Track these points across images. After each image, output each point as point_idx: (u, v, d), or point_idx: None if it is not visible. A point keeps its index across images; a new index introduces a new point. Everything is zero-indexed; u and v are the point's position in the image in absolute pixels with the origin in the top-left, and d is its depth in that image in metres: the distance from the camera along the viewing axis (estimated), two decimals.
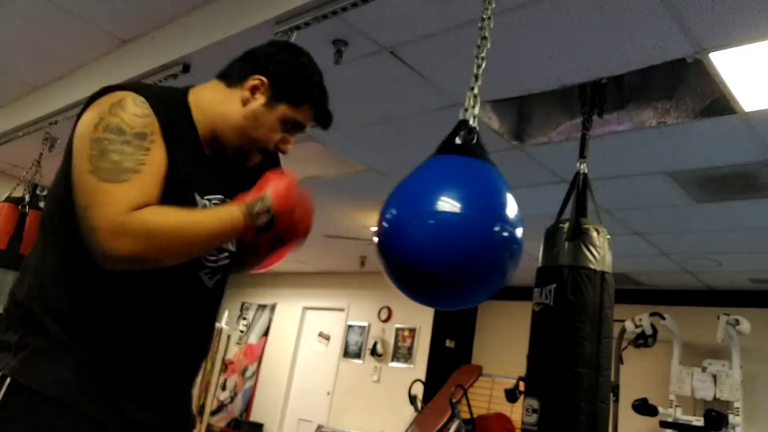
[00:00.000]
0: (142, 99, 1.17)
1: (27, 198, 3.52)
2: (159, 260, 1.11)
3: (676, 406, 5.22)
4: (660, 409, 5.01)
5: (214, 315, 1.36)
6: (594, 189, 2.17)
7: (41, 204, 3.63)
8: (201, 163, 1.26)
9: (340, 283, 8.03)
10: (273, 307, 8.81)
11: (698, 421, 4.85)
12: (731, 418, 4.79)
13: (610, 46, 2.39)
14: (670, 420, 5.11)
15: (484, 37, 1.50)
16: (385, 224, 1.32)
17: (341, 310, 8.00)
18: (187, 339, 1.28)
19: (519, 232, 1.27)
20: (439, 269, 1.22)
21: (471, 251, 1.20)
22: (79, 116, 1.22)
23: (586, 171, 2.21)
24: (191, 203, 1.20)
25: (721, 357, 5.24)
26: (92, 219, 1.07)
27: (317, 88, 1.33)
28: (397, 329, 7.32)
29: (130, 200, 1.07)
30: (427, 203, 1.25)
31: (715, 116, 2.79)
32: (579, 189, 2.16)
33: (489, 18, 1.52)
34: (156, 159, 1.14)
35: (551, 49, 2.48)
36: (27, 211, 3.47)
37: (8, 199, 3.52)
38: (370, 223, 5.56)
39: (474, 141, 1.36)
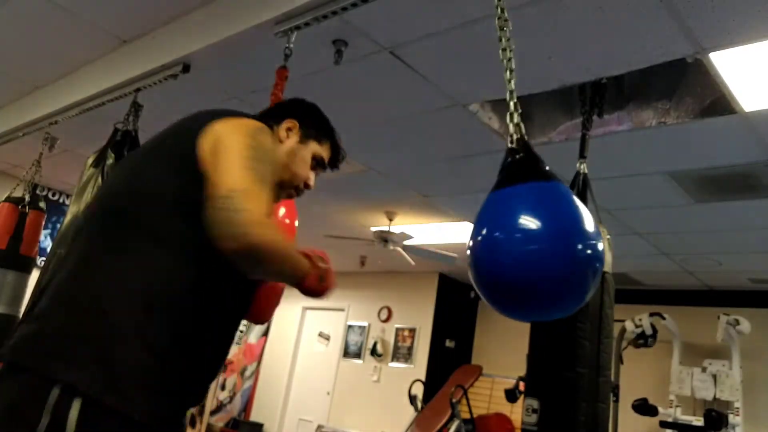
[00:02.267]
0: (270, 131, 1.39)
1: (27, 198, 3.51)
2: (259, 264, 1.19)
3: (676, 406, 5.22)
4: (660, 409, 5.02)
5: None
6: (594, 189, 2.18)
7: (41, 204, 3.63)
8: None
9: (340, 283, 7.97)
10: None
11: (698, 421, 4.85)
12: (731, 418, 4.79)
13: (610, 46, 2.39)
14: (670, 420, 5.11)
15: (504, 50, 1.49)
16: (478, 244, 1.33)
17: (341, 310, 8.00)
18: (230, 340, 1.38)
19: (600, 247, 1.28)
20: (527, 287, 1.25)
21: (557, 271, 1.24)
22: (193, 128, 1.29)
23: (586, 171, 2.21)
24: None
25: (721, 357, 5.24)
26: (241, 202, 1.14)
27: (334, 131, 1.58)
28: (397, 329, 7.32)
29: (269, 207, 1.22)
30: (517, 229, 1.27)
31: (715, 116, 2.79)
32: (579, 189, 2.16)
33: (506, 23, 1.50)
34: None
35: (551, 49, 2.48)
36: (27, 211, 3.46)
37: (8, 199, 3.52)
38: (370, 223, 5.56)
39: (541, 163, 1.37)
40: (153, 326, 1.13)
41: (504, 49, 1.47)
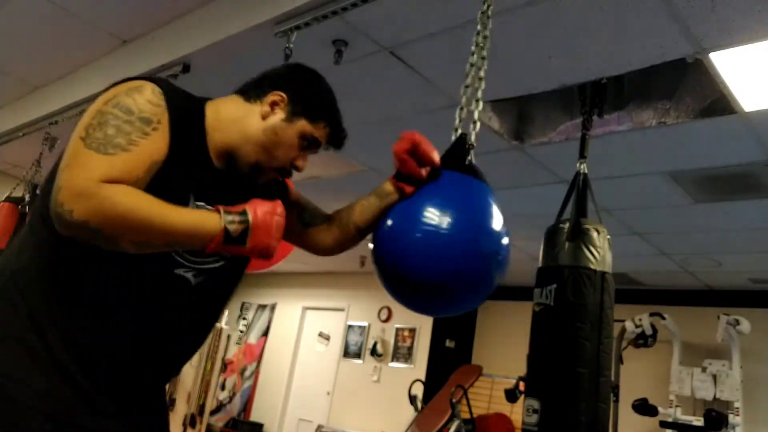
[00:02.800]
0: (161, 91, 1.17)
1: (27, 198, 3.52)
2: (114, 239, 1.04)
3: (676, 406, 5.22)
4: (660, 409, 5.02)
5: (202, 317, 1.33)
6: (594, 189, 2.17)
7: None
8: (206, 172, 1.26)
9: (340, 283, 8.03)
10: (273, 307, 8.81)
11: (698, 421, 4.85)
12: (731, 418, 4.79)
13: (610, 46, 2.39)
14: (670, 420, 5.11)
15: (485, 36, 1.53)
16: (380, 233, 1.37)
17: (341, 310, 8.00)
18: (166, 339, 1.24)
19: (505, 241, 1.33)
20: (427, 279, 1.28)
21: (458, 263, 1.27)
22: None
23: (586, 171, 2.21)
24: (183, 202, 1.17)
25: (721, 357, 5.24)
26: (61, 179, 1.04)
27: (333, 106, 1.37)
28: (397, 329, 7.32)
29: (105, 172, 1.04)
30: (418, 217, 1.31)
31: (715, 116, 2.79)
32: (579, 189, 2.16)
33: (487, 22, 1.53)
34: (152, 147, 1.12)
35: (551, 49, 2.48)
36: (27, 211, 3.47)
37: (8, 199, 3.52)
38: None
39: (467, 157, 1.44)
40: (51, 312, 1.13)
41: (477, 44, 1.51)
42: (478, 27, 1.52)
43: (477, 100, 1.53)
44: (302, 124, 1.30)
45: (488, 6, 1.53)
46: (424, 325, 7.08)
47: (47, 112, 3.67)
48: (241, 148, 1.27)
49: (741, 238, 4.36)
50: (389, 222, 1.36)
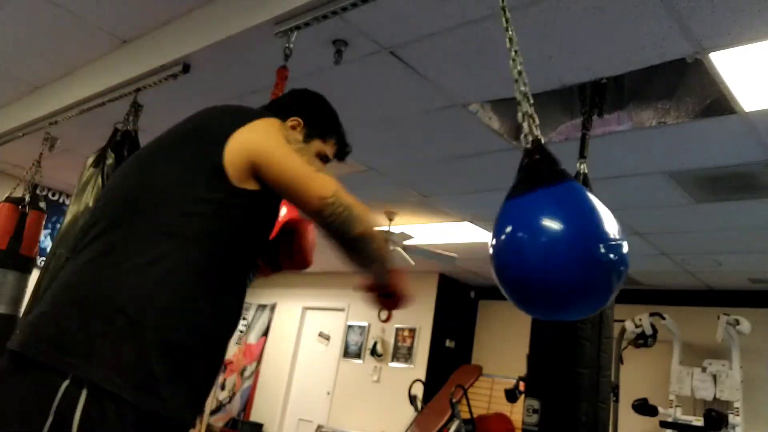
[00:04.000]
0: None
1: (27, 198, 3.51)
2: (375, 250, 1.37)
3: (676, 406, 5.22)
4: (660, 409, 5.02)
5: None
6: (594, 189, 2.17)
7: (41, 204, 3.62)
8: None
9: (340, 283, 8.03)
10: (273, 307, 8.81)
11: (698, 421, 4.85)
12: (731, 418, 4.79)
13: (610, 46, 2.39)
14: (670, 420, 5.11)
15: (514, 52, 1.49)
16: (500, 246, 1.33)
17: (341, 310, 8.00)
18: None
19: (624, 250, 1.28)
20: (554, 289, 1.25)
21: (581, 270, 1.24)
22: (220, 133, 1.29)
23: (586, 171, 2.21)
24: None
25: (721, 357, 5.24)
26: (344, 196, 1.26)
27: (339, 125, 1.57)
28: (397, 329, 7.32)
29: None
30: (545, 232, 1.27)
31: (715, 116, 2.79)
32: None
33: (508, 22, 1.50)
34: None
35: (551, 49, 2.48)
36: (27, 211, 3.47)
37: (8, 199, 3.52)
38: None
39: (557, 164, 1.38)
40: (170, 321, 1.14)
41: (510, 49, 1.46)
42: (504, 24, 1.48)
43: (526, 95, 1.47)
44: (317, 144, 1.50)
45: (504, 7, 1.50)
46: (424, 325, 7.08)
47: (47, 112, 3.66)
48: None
49: (741, 238, 4.36)
50: (508, 233, 1.31)
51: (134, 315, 1.10)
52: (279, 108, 1.50)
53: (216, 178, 1.22)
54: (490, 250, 1.33)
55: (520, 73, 1.43)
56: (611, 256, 1.23)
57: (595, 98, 2.59)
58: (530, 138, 1.38)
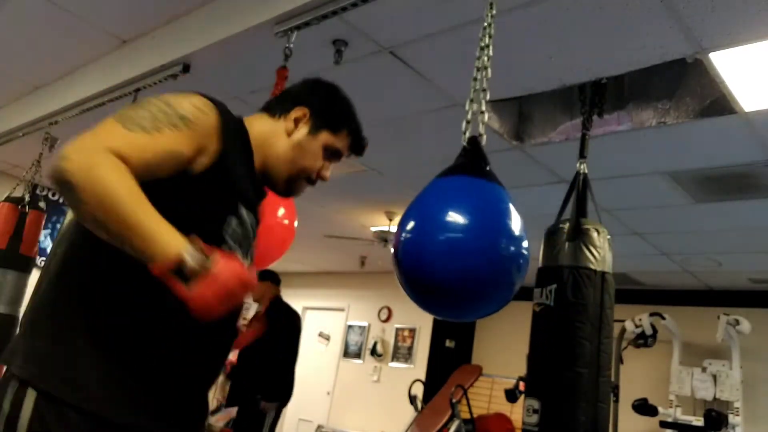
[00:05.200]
0: (213, 105, 1.22)
1: (27, 198, 3.52)
2: (78, 203, 1.00)
3: (676, 406, 5.22)
4: (660, 409, 5.02)
5: (235, 324, 1.35)
6: (594, 189, 2.17)
7: (41, 204, 3.63)
8: (253, 184, 1.33)
9: (340, 283, 8.03)
10: None
11: (698, 421, 4.85)
12: (731, 418, 4.79)
13: (610, 46, 2.39)
14: (670, 420, 5.11)
15: (485, 46, 1.53)
16: (402, 238, 1.36)
17: (341, 310, 8.00)
18: (211, 346, 1.26)
19: (524, 245, 1.33)
20: (450, 283, 1.28)
21: (480, 267, 1.27)
22: None
23: (586, 171, 2.21)
24: (233, 211, 1.22)
25: (721, 357, 5.24)
26: (79, 136, 1.05)
27: (353, 116, 1.43)
28: (397, 329, 7.32)
29: (117, 143, 1.04)
30: (441, 222, 1.31)
31: (715, 116, 2.79)
32: (579, 189, 2.16)
33: (490, 25, 1.54)
34: (175, 140, 1.12)
35: (551, 49, 2.48)
36: (27, 211, 3.47)
37: (8, 199, 3.52)
38: (370, 223, 5.55)
39: (481, 162, 1.43)
40: (90, 318, 1.11)
41: (483, 48, 1.51)
42: (485, 30, 1.53)
43: (482, 101, 1.52)
44: (325, 136, 1.37)
45: (491, 14, 1.54)
46: (424, 325, 7.08)
47: (47, 112, 3.67)
48: (274, 167, 1.35)
49: (741, 238, 4.36)
50: (410, 227, 1.34)
51: (63, 314, 1.15)
52: (285, 98, 1.40)
53: None
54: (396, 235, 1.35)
55: (482, 70, 1.50)
56: (512, 249, 1.29)
57: (595, 98, 2.59)
58: (470, 135, 1.44)
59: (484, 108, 1.46)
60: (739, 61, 2.36)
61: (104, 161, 1.01)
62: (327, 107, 1.39)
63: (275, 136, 1.35)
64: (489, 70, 1.50)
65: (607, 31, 2.30)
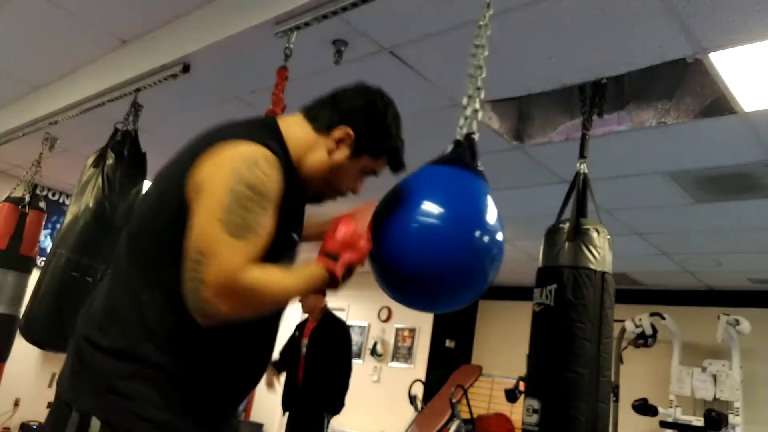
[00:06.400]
0: (274, 158, 1.20)
1: (27, 198, 3.52)
2: (250, 316, 1.17)
3: (676, 406, 5.22)
4: (660, 409, 5.01)
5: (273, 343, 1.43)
6: (594, 189, 2.18)
7: (41, 204, 3.63)
8: (297, 203, 1.34)
9: None
10: None
11: (698, 421, 4.85)
12: (731, 418, 4.78)
13: (610, 46, 2.39)
14: (670, 420, 5.11)
15: (481, 45, 1.53)
16: (375, 228, 1.35)
17: (341, 310, 7.99)
18: (261, 368, 1.34)
19: (499, 236, 1.31)
20: (422, 273, 1.28)
21: (452, 255, 1.26)
22: (190, 155, 1.22)
23: (586, 171, 2.21)
24: (291, 244, 1.31)
25: (721, 357, 5.24)
26: (206, 272, 1.08)
27: (396, 142, 1.40)
28: (397, 329, 7.32)
29: (243, 260, 1.11)
30: (413, 210, 1.31)
31: (715, 116, 2.79)
32: (579, 189, 2.16)
33: (486, 25, 1.53)
34: (269, 223, 1.17)
35: (551, 49, 2.48)
36: (27, 211, 3.47)
37: (8, 199, 3.52)
38: None
39: (464, 152, 1.42)
40: (152, 356, 1.15)
41: (478, 47, 1.50)
42: (480, 29, 1.52)
43: (476, 99, 1.51)
44: (365, 161, 1.35)
45: (487, 15, 1.54)
46: (424, 325, 7.08)
47: (47, 112, 3.66)
48: (309, 178, 1.34)
49: (741, 238, 4.36)
50: (384, 216, 1.34)
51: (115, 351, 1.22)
52: (332, 109, 1.35)
53: (181, 208, 1.16)
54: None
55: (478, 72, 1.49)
56: (485, 239, 1.28)
57: (595, 98, 2.59)
58: (465, 131, 1.45)
59: (477, 106, 1.45)
60: (739, 61, 2.36)
61: (247, 283, 1.11)
62: (372, 132, 1.35)
63: (315, 151, 1.33)
64: (484, 69, 1.49)
65: (607, 31, 2.30)
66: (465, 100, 1.46)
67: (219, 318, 1.10)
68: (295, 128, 1.34)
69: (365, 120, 1.34)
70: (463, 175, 1.39)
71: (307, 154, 1.32)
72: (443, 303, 1.42)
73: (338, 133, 1.31)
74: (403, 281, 1.32)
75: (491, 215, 1.33)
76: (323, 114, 1.35)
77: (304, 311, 4.78)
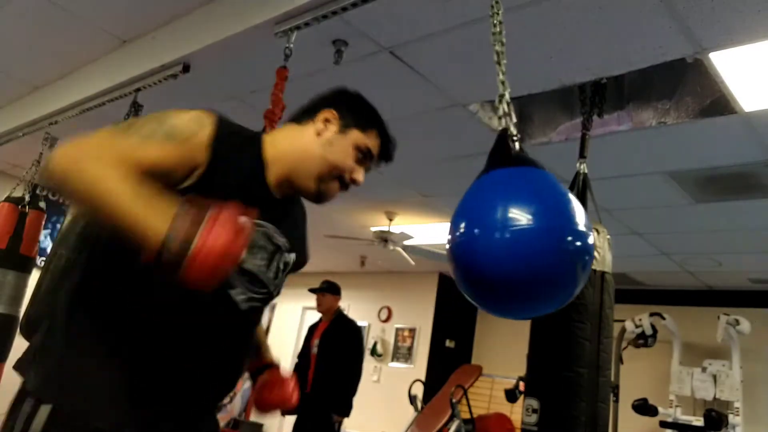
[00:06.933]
0: (213, 120, 1.21)
1: (27, 198, 3.52)
2: (69, 193, 1.09)
3: (676, 406, 5.22)
4: (660, 409, 5.02)
5: (248, 337, 1.38)
6: (594, 189, 2.17)
7: (41, 204, 3.63)
8: (263, 202, 1.26)
9: (340, 283, 8.01)
10: (273, 307, 8.80)
11: (698, 421, 4.85)
12: (731, 418, 4.79)
13: (610, 46, 2.39)
14: (670, 420, 5.11)
15: (501, 42, 1.51)
16: (458, 239, 1.28)
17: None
18: (216, 356, 1.27)
19: (590, 240, 1.22)
20: (515, 282, 1.19)
21: (546, 263, 1.18)
22: None
23: (586, 171, 2.21)
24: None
25: (721, 357, 5.24)
26: (76, 139, 1.10)
27: (380, 117, 1.43)
28: (397, 329, 7.32)
29: (108, 144, 1.14)
30: (500, 218, 1.23)
31: (715, 116, 2.79)
32: (579, 189, 2.16)
33: (500, 23, 1.52)
34: (163, 155, 1.14)
35: (551, 49, 2.48)
36: (27, 210, 3.47)
37: (8, 199, 3.52)
38: (370, 223, 5.55)
39: (522, 150, 1.37)
40: (74, 329, 1.17)
41: (497, 44, 1.48)
42: (494, 22, 1.50)
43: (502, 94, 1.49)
44: (355, 135, 1.36)
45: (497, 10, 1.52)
46: (424, 325, 7.08)
47: (47, 112, 3.66)
48: (300, 166, 1.32)
49: (741, 238, 4.36)
50: (464, 225, 1.27)
51: (53, 327, 1.25)
52: (311, 104, 1.41)
53: None
54: (449, 238, 1.28)
55: (503, 83, 1.49)
56: (578, 244, 1.19)
57: (595, 98, 2.59)
58: (503, 126, 1.39)
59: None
60: (739, 61, 2.36)
61: (77, 150, 1.09)
62: (354, 107, 1.40)
63: (303, 138, 1.34)
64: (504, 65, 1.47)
65: (606, 31, 2.30)
66: (497, 99, 1.45)
67: (50, 173, 1.06)
68: (278, 133, 1.40)
69: (346, 99, 1.41)
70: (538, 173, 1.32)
71: (297, 143, 1.34)
72: (534, 309, 1.36)
73: (323, 114, 1.36)
74: (491, 291, 1.23)
75: (581, 217, 1.24)
76: (304, 110, 1.41)
77: (319, 311, 4.78)
